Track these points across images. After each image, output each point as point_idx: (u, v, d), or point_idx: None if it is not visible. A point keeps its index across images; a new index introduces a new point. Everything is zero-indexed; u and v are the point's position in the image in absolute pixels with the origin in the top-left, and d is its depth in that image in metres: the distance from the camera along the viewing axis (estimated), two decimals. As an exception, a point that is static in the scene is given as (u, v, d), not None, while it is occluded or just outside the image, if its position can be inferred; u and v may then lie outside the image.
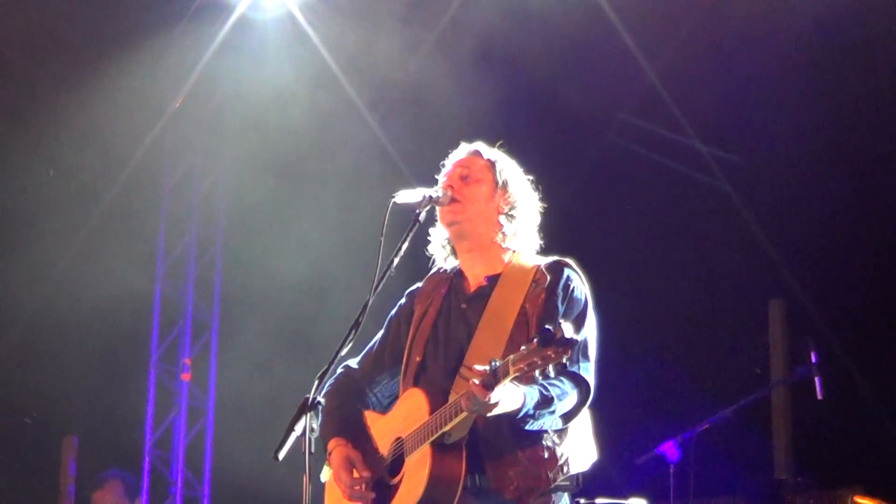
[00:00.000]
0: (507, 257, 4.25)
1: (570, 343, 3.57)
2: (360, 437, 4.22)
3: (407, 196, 4.15)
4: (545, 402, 3.87)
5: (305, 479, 3.64)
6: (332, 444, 4.21)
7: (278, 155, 9.26)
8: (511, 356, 3.64)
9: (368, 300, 3.93)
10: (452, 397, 3.93)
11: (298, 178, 9.22)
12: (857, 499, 6.68)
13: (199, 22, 8.89)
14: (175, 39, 8.94)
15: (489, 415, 3.78)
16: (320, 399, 3.72)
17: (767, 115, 8.27)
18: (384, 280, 3.99)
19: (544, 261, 4.22)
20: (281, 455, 3.68)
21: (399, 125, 9.06)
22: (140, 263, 9.71)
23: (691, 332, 8.44)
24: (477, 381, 3.69)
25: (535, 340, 3.59)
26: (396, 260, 4.02)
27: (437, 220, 4.29)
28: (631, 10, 8.19)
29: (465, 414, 3.80)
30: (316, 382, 3.78)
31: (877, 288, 8.10)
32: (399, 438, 4.10)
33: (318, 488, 3.93)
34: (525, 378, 3.68)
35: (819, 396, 6.81)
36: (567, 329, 3.57)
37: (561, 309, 4.07)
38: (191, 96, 9.42)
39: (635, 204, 8.88)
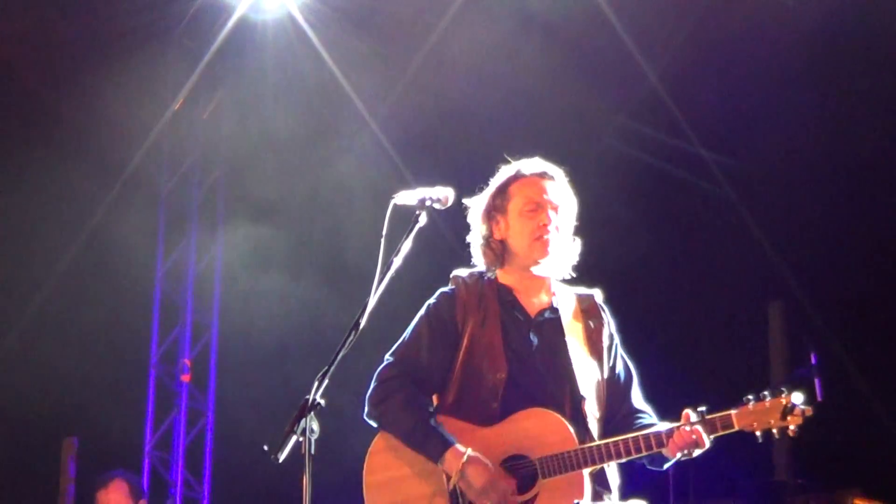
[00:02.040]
0: (550, 282, 4.37)
1: (806, 413, 3.90)
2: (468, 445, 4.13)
3: (407, 197, 4.16)
4: None
5: (305, 479, 3.64)
6: (456, 454, 4.07)
7: (278, 155, 9.25)
8: (734, 413, 4.03)
9: (369, 302, 3.93)
10: (593, 428, 4.12)
11: (298, 178, 9.22)
12: (857, 500, 6.69)
13: (199, 23, 8.89)
14: (175, 40, 8.93)
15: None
16: (320, 401, 3.72)
17: (767, 118, 8.28)
18: (385, 281, 3.98)
19: (580, 290, 4.40)
20: (281, 456, 3.68)
21: (399, 126, 9.06)
22: (140, 264, 9.70)
23: (691, 333, 8.44)
24: (699, 427, 3.97)
25: (779, 406, 3.91)
26: (397, 261, 4.02)
27: (468, 224, 4.38)
28: (630, 11, 8.19)
29: (656, 450, 4.02)
30: (316, 384, 3.78)
31: (876, 289, 8.10)
32: (520, 457, 4.08)
33: (319, 489, 3.93)
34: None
35: (819, 398, 6.82)
36: (800, 398, 3.91)
37: (618, 347, 4.36)
38: (191, 97, 9.41)
39: (635, 206, 8.88)
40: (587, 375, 4.20)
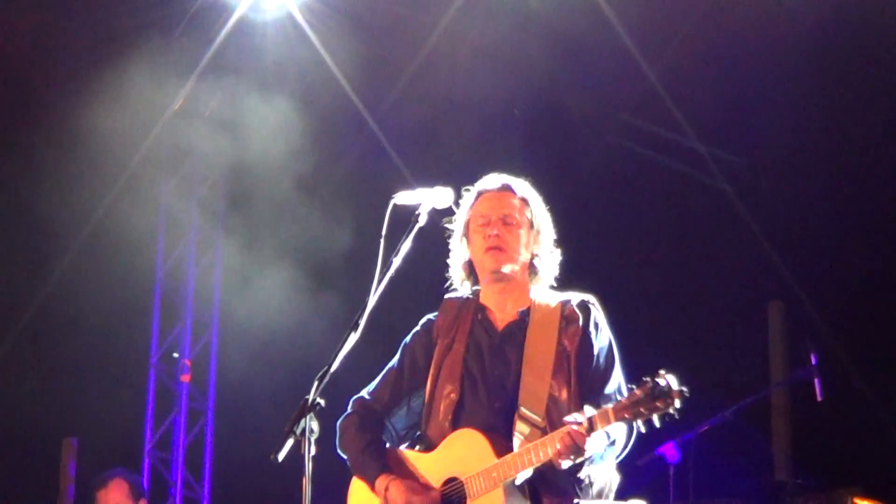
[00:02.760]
0: (531, 293, 4.33)
1: (681, 394, 3.74)
2: (405, 476, 4.22)
3: (407, 197, 4.16)
4: (611, 444, 4.03)
5: (305, 480, 3.64)
6: (383, 480, 4.20)
7: (278, 156, 9.25)
8: (610, 407, 3.81)
9: (368, 302, 3.93)
10: (517, 439, 4.01)
11: (298, 178, 9.22)
12: (857, 500, 6.69)
13: (198, 23, 8.89)
14: (175, 40, 8.93)
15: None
16: (319, 401, 3.73)
17: (767, 117, 8.27)
18: (384, 282, 3.98)
19: (566, 297, 4.31)
20: (280, 456, 3.68)
21: (399, 126, 9.06)
22: (140, 264, 9.70)
23: (691, 333, 8.43)
24: (577, 427, 3.82)
25: (643, 392, 3.74)
26: (396, 261, 4.02)
27: (450, 242, 4.37)
28: (630, 11, 8.19)
29: (551, 458, 3.89)
30: (316, 383, 3.77)
31: (876, 289, 8.10)
32: (454, 479, 4.11)
33: (318, 491, 3.93)
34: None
35: (819, 398, 6.81)
36: (673, 380, 3.74)
37: (595, 349, 4.20)
38: (191, 97, 9.41)
39: (635, 205, 8.88)
40: (537, 385, 4.11)
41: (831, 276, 8.18)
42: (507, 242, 4.25)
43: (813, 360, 6.84)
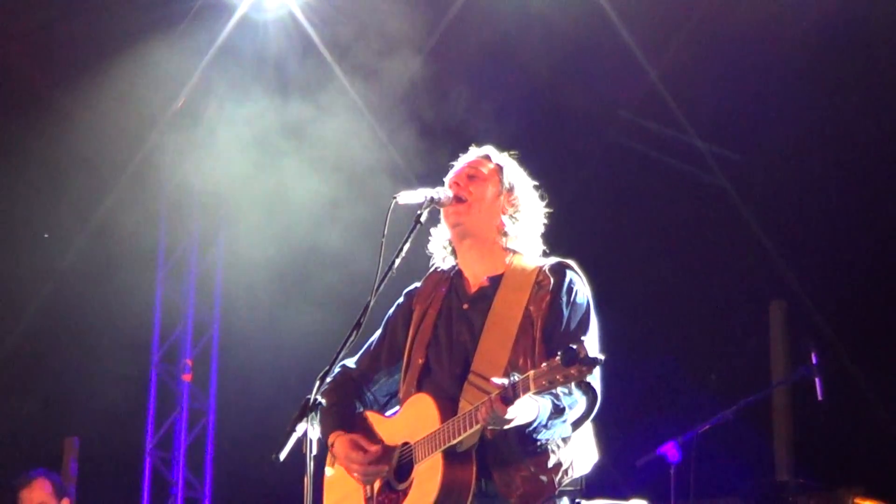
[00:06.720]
0: (508, 258, 4.26)
1: (595, 362, 3.63)
2: (361, 434, 4.23)
3: (409, 197, 4.15)
4: (557, 412, 3.92)
5: (306, 480, 3.64)
6: (332, 437, 4.22)
7: (279, 157, 9.25)
8: (532, 372, 3.68)
9: (370, 301, 3.93)
10: (462, 404, 3.97)
11: (299, 178, 9.22)
12: (858, 500, 6.69)
13: (200, 22, 8.90)
14: (177, 40, 8.93)
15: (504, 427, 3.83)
16: (321, 400, 3.73)
17: (768, 116, 8.28)
18: (385, 281, 3.99)
19: (546, 262, 4.23)
20: (282, 456, 3.68)
21: (401, 126, 9.06)
22: (141, 264, 9.71)
23: (692, 333, 8.43)
24: (496, 395, 3.72)
25: (559, 358, 3.63)
26: (398, 261, 4.02)
27: (440, 220, 4.31)
28: (631, 9, 8.19)
29: (480, 425, 3.83)
30: (317, 383, 3.79)
31: (877, 289, 8.10)
32: (406, 444, 4.10)
33: (319, 490, 3.93)
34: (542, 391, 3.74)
35: (820, 397, 6.82)
36: (591, 348, 3.66)
37: (565, 312, 4.09)
38: (192, 97, 9.41)
39: (636, 204, 8.88)
40: (497, 352, 4.04)
41: (832, 276, 8.19)
42: (469, 193, 4.23)
43: (814, 360, 6.84)
